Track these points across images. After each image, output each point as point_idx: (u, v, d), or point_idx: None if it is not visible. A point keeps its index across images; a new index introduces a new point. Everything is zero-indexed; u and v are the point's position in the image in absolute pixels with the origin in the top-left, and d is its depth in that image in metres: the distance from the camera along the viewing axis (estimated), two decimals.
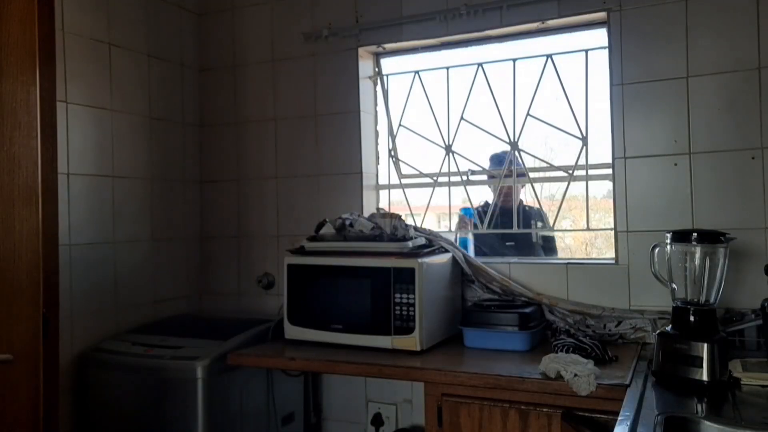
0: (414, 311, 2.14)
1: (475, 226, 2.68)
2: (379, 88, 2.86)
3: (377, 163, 2.87)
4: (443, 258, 2.35)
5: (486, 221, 2.64)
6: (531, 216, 2.68)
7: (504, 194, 2.66)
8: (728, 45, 2.17)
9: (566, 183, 2.52)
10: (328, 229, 2.40)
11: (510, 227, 2.61)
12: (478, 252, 2.69)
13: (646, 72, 2.28)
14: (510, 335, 2.18)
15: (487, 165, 2.72)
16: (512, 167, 2.61)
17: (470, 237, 2.71)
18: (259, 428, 2.47)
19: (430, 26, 2.61)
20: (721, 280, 1.86)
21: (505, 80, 2.62)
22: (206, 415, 2.22)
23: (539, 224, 2.67)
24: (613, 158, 2.34)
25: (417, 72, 2.78)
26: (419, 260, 2.17)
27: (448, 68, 2.73)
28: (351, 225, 2.36)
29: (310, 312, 2.33)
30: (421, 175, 2.81)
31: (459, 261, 2.40)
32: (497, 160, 2.70)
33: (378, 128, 2.87)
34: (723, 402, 1.60)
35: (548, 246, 2.72)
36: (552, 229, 2.60)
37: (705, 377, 1.67)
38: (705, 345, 1.68)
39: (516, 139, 2.59)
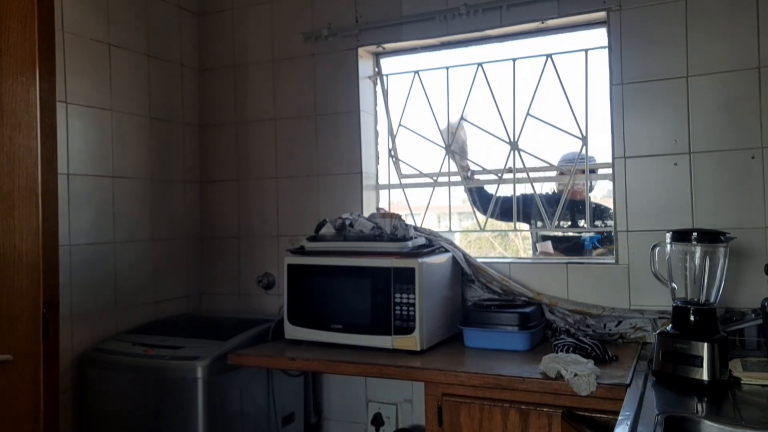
0: (414, 311, 2.14)
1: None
2: (379, 88, 2.86)
3: (377, 163, 2.87)
4: (443, 258, 2.35)
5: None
6: (604, 215, 2.63)
7: (571, 191, 2.56)
8: (728, 44, 2.17)
9: (566, 183, 2.52)
10: (328, 229, 2.40)
11: (577, 224, 2.60)
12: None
13: (646, 71, 2.28)
14: (510, 335, 2.18)
15: (487, 165, 2.72)
16: (512, 166, 2.61)
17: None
18: (259, 428, 2.47)
19: (429, 26, 2.61)
20: (721, 279, 1.86)
21: (505, 80, 2.62)
22: (206, 415, 2.22)
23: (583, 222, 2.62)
24: (613, 158, 2.34)
25: (417, 72, 2.78)
26: (419, 260, 2.17)
27: (448, 68, 2.73)
28: (351, 225, 2.36)
29: (310, 312, 2.33)
30: (421, 175, 2.81)
31: (459, 261, 2.40)
32: (565, 161, 2.63)
33: (378, 128, 2.87)
34: (723, 401, 1.60)
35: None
36: (552, 228, 2.59)
37: (705, 377, 1.67)
38: (705, 344, 1.68)
39: (516, 139, 2.59)
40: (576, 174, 2.51)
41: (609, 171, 2.39)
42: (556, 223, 2.55)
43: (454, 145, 2.74)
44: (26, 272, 1.70)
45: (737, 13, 2.16)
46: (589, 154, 2.51)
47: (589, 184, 2.52)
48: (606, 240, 2.62)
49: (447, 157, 2.73)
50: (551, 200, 2.61)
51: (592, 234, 2.63)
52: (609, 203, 2.54)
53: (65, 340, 2.27)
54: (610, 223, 2.56)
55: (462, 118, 2.69)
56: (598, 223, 2.62)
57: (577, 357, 1.91)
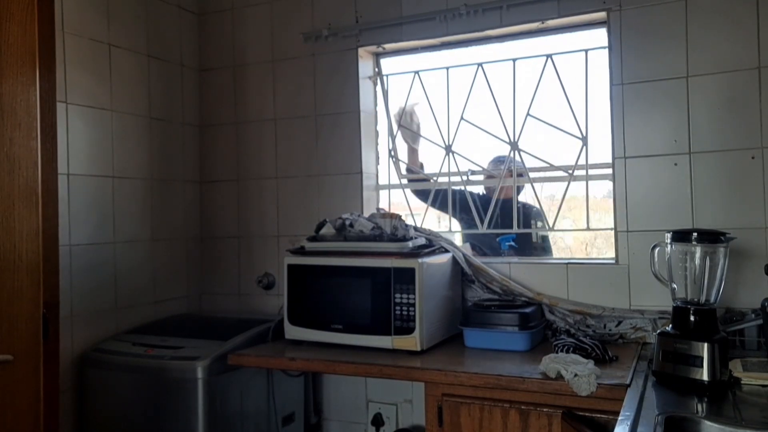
0: (414, 311, 2.14)
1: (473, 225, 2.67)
2: (379, 88, 2.86)
3: (377, 163, 2.87)
4: (443, 258, 2.35)
5: (486, 221, 2.63)
6: (530, 215, 2.68)
7: (503, 192, 2.64)
8: (728, 44, 2.17)
9: (566, 183, 2.51)
10: (328, 229, 2.40)
11: (509, 226, 2.61)
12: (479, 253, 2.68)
13: (646, 72, 2.28)
14: (510, 335, 2.18)
15: (487, 165, 2.72)
16: (512, 167, 2.61)
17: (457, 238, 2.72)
18: (260, 428, 2.47)
19: (430, 26, 2.61)
20: (721, 279, 1.86)
21: (505, 80, 2.62)
22: (206, 415, 2.22)
23: (539, 224, 2.66)
24: (613, 158, 2.34)
25: (417, 72, 2.78)
26: (419, 260, 2.17)
27: (448, 68, 2.72)
28: (351, 225, 2.36)
29: (311, 312, 2.33)
30: (421, 175, 2.81)
31: (459, 261, 2.40)
32: (497, 161, 2.70)
33: (378, 128, 2.87)
34: (723, 401, 1.60)
35: (542, 245, 2.71)
36: (552, 228, 2.59)
37: (705, 377, 1.67)
38: (705, 345, 1.68)
39: (516, 139, 2.59)
40: (575, 174, 2.51)
41: (609, 171, 2.39)
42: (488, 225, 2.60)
43: (405, 123, 2.78)
44: (26, 272, 1.70)
45: (737, 13, 2.16)
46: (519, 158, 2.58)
47: (516, 187, 2.58)
48: (522, 241, 2.66)
49: (447, 157, 2.73)
50: (482, 200, 2.68)
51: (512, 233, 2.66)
52: (608, 204, 2.55)
53: (65, 340, 2.27)
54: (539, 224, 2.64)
55: (462, 118, 2.69)
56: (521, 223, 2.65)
57: (577, 357, 1.91)
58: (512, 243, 2.64)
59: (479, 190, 2.78)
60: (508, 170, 2.62)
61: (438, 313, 2.26)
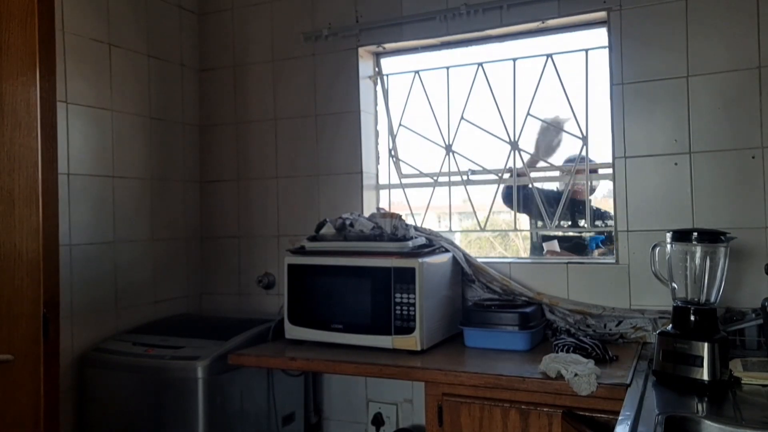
0: (414, 311, 2.14)
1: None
2: (379, 88, 2.86)
3: (377, 163, 2.87)
4: (443, 258, 2.35)
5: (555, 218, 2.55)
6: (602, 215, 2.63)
7: (572, 191, 2.54)
8: (728, 44, 2.17)
9: (567, 183, 2.51)
10: (328, 229, 2.40)
11: (577, 224, 2.60)
12: None
13: (646, 71, 2.28)
14: (510, 335, 2.18)
15: (487, 165, 2.72)
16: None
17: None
18: (260, 428, 2.47)
19: (430, 26, 2.61)
20: (722, 279, 1.86)
21: (505, 80, 2.62)
22: (206, 415, 2.22)
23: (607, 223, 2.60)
24: (614, 158, 2.34)
25: (417, 72, 2.78)
26: (419, 260, 2.16)
27: (448, 68, 2.72)
28: (351, 225, 2.36)
29: (311, 312, 2.33)
30: (421, 174, 2.81)
31: (459, 261, 2.40)
32: (568, 162, 2.61)
33: (378, 128, 2.87)
34: (723, 401, 1.59)
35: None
36: (551, 228, 2.59)
37: (705, 377, 1.67)
38: (705, 344, 1.68)
39: (516, 139, 2.59)
40: (576, 174, 2.50)
41: (609, 171, 2.39)
42: (557, 222, 2.54)
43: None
44: (26, 272, 1.70)
45: (737, 13, 2.16)
46: (589, 155, 2.50)
47: (590, 184, 2.52)
48: (609, 240, 2.62)
49: (447, 157, 2.73)
50: (551, 199, 2.61)
51: (592, 234, 2.62)
52: (608, 204, 2.54)
53: (65, 340, 2.27)
54: (610, 223, 2.55)
55: (462, 117, 2.68)
56: (598, 223, 2.61)
57: (578, 357, 1.91)
58: (600, 244, 2.60)
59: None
60: (577, 167, 2.50)
61: (438, 313, 2.26)
